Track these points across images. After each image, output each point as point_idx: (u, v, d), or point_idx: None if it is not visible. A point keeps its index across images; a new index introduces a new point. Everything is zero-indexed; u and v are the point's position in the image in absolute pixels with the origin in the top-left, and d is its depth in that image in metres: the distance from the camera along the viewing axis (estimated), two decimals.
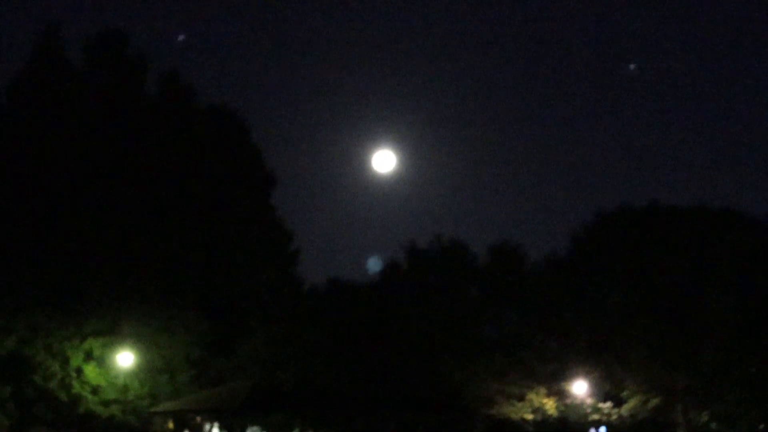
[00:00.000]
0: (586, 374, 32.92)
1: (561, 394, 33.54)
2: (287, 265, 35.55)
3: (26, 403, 30.90)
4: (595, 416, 33.34)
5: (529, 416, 33.99)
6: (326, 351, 33.86)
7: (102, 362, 30.94)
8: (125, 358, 30.86)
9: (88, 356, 30.78)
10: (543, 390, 33.62)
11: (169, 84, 33.57)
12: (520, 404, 33.92)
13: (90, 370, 30.73)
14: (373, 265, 38.51)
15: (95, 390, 30.81)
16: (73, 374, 30.65)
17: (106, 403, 30.95)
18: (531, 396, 33.72)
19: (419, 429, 34.37)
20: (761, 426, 32.64)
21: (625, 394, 32.92)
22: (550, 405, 33.67)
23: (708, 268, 31.69)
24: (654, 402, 32.38)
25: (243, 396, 26.64)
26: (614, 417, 33.20)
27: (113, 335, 30.88)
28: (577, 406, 33.51)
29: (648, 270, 32.29)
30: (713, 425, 32.56)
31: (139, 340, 31.00)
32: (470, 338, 35.06)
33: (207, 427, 32.68)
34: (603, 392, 33.40)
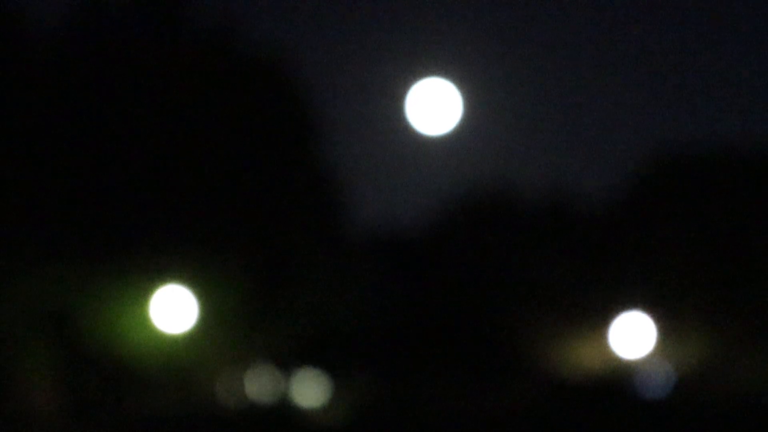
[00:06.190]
0: (641, 322, 32.60)
1: (613, 343, 33.27)
2: (333, 212, 35.04)
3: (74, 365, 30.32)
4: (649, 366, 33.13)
5: (579, 367, 33.76)
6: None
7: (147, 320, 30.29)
8: (177, 314, 29.90)
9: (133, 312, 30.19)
10: (593, 339, 33.43)
11: (212, 30, 33.21)
12: (567, 354, 33.73)
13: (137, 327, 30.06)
14: None
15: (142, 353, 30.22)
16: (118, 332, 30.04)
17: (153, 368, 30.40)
18: (580, 344, 33.52)
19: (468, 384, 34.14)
20: None
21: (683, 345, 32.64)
22: (601, 354, 33.47)
23: None
24: (715, 352, 32.18)
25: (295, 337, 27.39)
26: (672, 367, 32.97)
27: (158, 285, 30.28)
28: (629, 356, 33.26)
29: (713, 220, 31.96)
30: None
31: (195, 290, 30.35)
32: (517, 288, 34.71)
33: (259, 370, 32.59)
34: (660, 342, 33.09)
